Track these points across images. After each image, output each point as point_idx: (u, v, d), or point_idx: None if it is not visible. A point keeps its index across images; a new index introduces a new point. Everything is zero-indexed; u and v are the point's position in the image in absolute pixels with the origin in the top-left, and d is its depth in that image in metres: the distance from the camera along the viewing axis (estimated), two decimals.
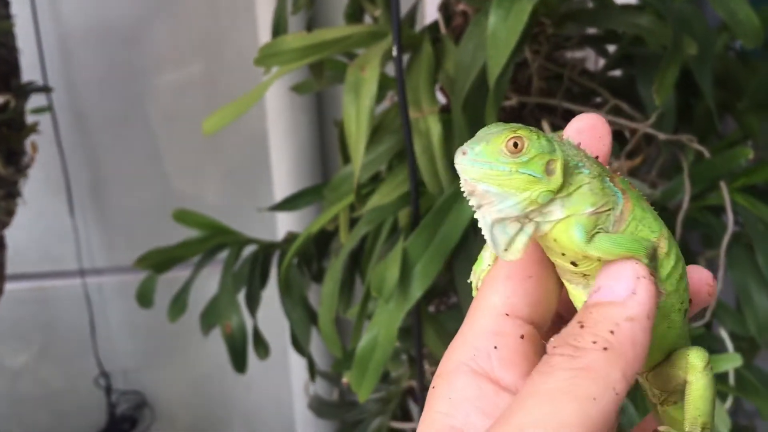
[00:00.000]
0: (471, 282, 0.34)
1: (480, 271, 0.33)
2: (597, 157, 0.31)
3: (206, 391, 1.43)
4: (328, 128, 1.22)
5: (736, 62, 0.88)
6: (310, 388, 1.21)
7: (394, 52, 0.65)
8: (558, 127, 0.85)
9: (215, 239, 0.99)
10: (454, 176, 0.73)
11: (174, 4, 1.18)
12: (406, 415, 0.97)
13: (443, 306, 0.94)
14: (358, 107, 0.73)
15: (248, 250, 1.04)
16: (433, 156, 0.72)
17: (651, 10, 0.71)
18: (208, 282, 1.03)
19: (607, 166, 0.31)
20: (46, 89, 1.18)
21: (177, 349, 1.38)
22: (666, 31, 0.69)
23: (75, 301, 1.34)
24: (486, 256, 0.32)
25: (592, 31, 0.93)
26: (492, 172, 0.27)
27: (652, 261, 0.28)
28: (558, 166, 0.28)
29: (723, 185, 0.79)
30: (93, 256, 1.33)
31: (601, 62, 0.95)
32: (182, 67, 1.22)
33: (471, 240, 0.70)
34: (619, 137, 0.87)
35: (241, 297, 1.00)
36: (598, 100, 0.86)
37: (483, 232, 0.29)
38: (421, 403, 0.90)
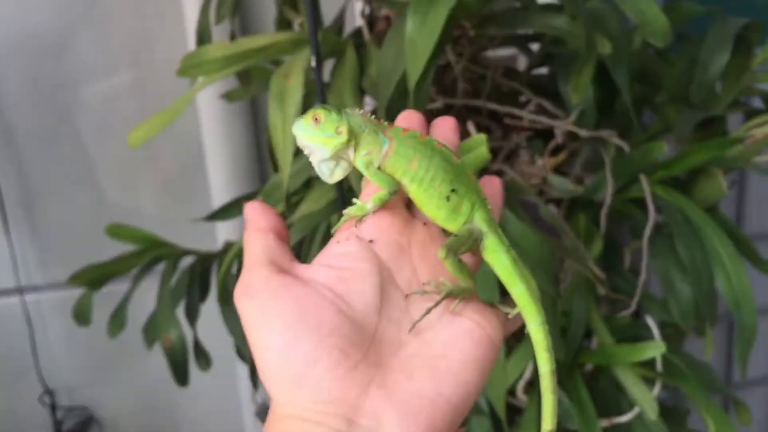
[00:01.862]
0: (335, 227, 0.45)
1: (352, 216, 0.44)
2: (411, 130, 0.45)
3: (153, 404, 1.41)
4: (264, 134, 1.21)
5: (653, 58, 0.91)
6: (257, 397, 1.20)
7: (313, 62, 0.65)
8: (484, 126, 0.86)
9: (151, 252, 0.98)
10: None
11: (99, 13, 1.16)
12: None
13: None
14: (283, 115, 0.73)
15: (186, 261, 1.03)
16: None
17: (567, 10, 0.73)
18: (150, 295, 1.02)
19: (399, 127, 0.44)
20: None
21: (122, 363, 1.35)
22: (580, 31, 0.71)
23: (13, 319, 1.30)
24: (369, 207, 0.43)
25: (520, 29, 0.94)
26: (308, 134, 0.44)
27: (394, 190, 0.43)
28: (344, 129, 0.43)
29: (643, 178, 0.82)
30: (30, 273, 1.30)
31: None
32: (111, 76, 1.19)
33: None
34: (547, 135, 0.89)
35: (182, 309, 0.99)
36: (523, 99, 0.88)
37: (315, 170, 0.45)
38: None
